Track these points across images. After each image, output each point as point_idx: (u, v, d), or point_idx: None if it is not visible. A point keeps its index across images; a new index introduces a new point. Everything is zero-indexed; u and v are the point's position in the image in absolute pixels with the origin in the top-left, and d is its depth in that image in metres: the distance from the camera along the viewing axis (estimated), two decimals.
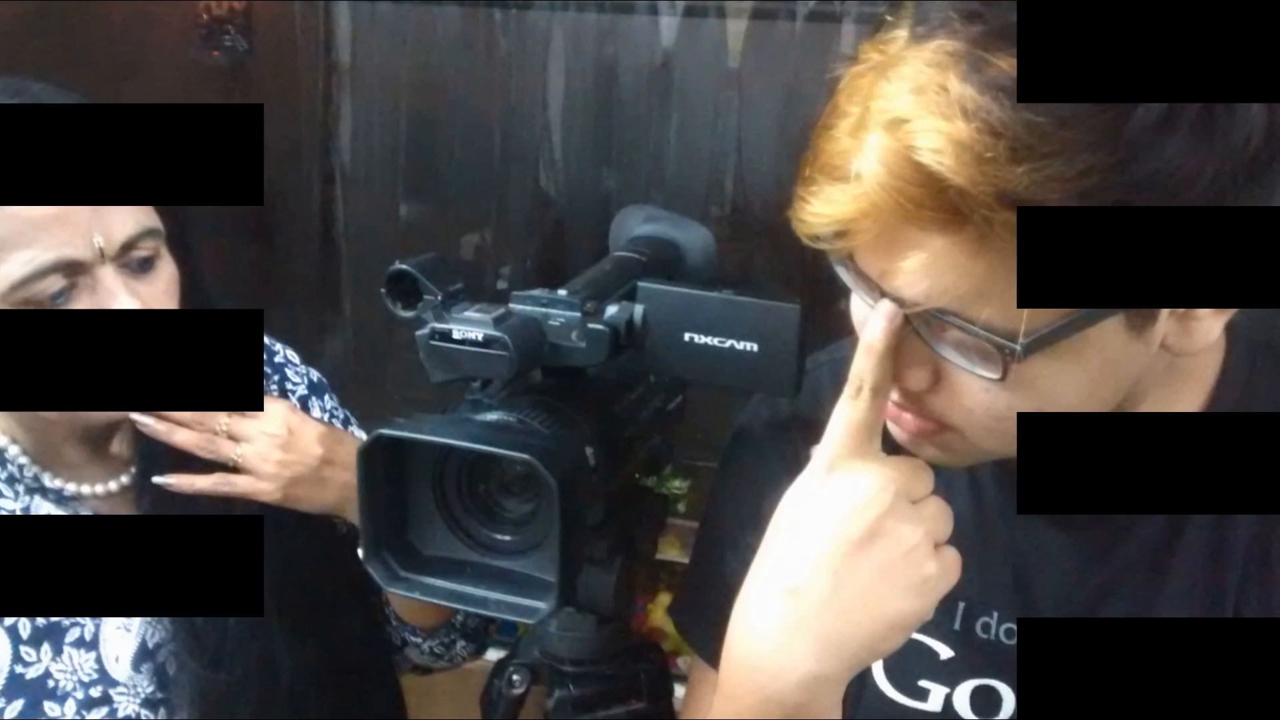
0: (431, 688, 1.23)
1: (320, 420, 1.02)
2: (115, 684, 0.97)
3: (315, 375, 1.15)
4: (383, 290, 0.80)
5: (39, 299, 0.86)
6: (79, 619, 0.97)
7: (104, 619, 0.98)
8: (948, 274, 0.60)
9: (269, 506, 0.96)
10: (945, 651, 0.80)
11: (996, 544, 0.79)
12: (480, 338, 0.74)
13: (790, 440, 0.84)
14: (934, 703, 0.80)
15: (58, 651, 0.96)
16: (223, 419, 0.95)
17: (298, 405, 1.04)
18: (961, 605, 0.79)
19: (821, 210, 0.62)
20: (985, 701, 0.79)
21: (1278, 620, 0.67)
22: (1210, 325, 0.65)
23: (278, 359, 1.12)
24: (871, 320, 0.65)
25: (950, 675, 0.80)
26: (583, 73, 2.17)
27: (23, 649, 0.95)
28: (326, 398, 1.14)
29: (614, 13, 2.14)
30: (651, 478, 0.95)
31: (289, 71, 2.34)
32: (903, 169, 0.58)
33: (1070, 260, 0.57)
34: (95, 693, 0.96)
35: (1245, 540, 0.73)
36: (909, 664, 0.80)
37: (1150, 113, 0.56)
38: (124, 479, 1.00)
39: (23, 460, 0.97)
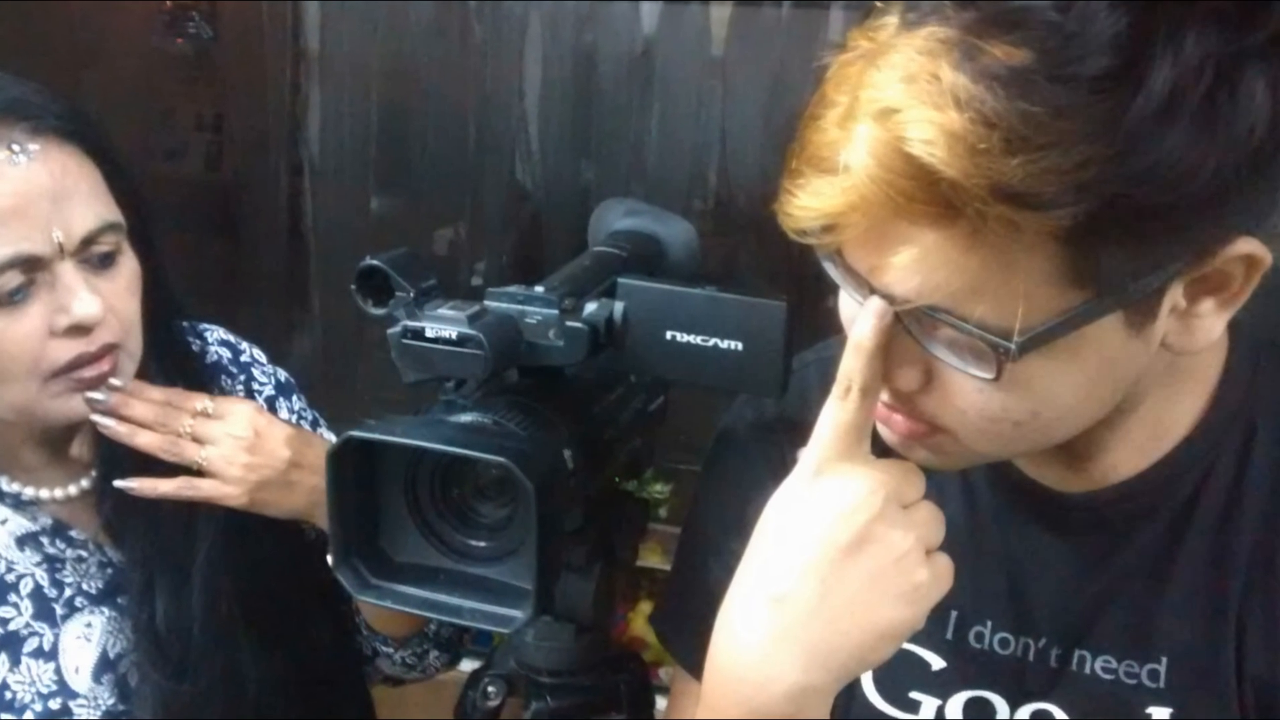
0: (404, 699, 1.22)
1: (288, 422, 1.00)
2: (75, 695, 0.96)
3: (283, 375, 1.13)
4: (353, 287, 0.79)
5: None
6: (38, 628, 0.94)
7: (63, 628, 0.95)
8: (939, 270, 0.59)
9: (235, 511, 0.94)
10: (937, 662, 0.79)
11: (990, 550, 0.78)
12: (454, 336, 0.73)
13: (776, 442, 0.83)
14: (925, 714, 0.79)
15: (15, 662, 0.94)
16: (187, 420, 0.93)
17: (264, 406, 1.03)
18: (954, 614, 0.78)
19: (808, 204, 0.60)
20: (978, 713, 0.78)
21: None
22: (1212, 323, 0.63)
23: (244, 358, 1.11)
24: (860, 318, 0.64)
25: (942, 686, 0.79)
26: (560, 61, 2.16)
27: None
28: (294, 398, 1.13)
29: None
30: (632, 481, 0.94)
31: (255, 59, 2.32)
32: (893, 161, 0.56)
33: None
34: (54, 704, 0.94)
35: (1248, 546, 0.72)
36: (899, 675, 0.79)
37: (1150, 102, 0.54)
38: (84, 483, 0.99)
39: None
